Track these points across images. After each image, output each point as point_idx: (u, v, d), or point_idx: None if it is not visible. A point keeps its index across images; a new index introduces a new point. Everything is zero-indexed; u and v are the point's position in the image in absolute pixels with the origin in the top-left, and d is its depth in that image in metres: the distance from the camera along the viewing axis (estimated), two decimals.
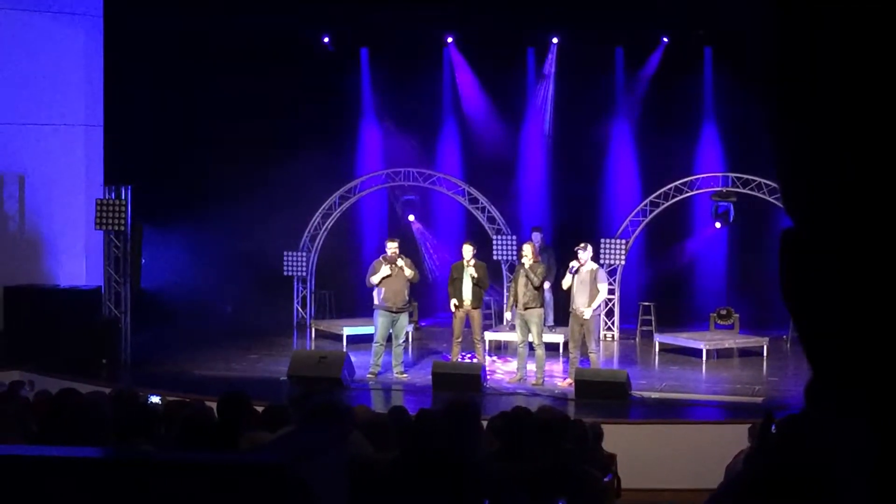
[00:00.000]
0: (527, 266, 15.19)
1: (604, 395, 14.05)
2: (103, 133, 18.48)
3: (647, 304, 19.84)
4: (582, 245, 15.48)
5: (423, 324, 20.57)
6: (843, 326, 0.99)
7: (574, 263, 15.30)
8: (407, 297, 15.84)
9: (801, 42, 1.01)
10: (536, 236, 18.95)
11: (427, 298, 21.53)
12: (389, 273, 15.50)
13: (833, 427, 1.03)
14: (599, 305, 15.99)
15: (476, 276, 15.58)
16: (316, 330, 19.55)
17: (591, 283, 15.22)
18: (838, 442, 1.01)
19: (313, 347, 18.41)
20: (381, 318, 15.66)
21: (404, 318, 15.90)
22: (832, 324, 1.00)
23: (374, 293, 15.81)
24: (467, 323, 15.87)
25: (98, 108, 18.47)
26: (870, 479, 0.98)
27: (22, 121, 17.99)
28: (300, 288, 20.77)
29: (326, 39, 21.99)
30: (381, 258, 15.83)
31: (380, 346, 15.68)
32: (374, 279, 15.66)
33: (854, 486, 1.00)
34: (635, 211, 19.68)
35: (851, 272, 0.97)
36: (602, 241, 19.08)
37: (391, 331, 15.68)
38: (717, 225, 19.53)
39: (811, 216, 1.01)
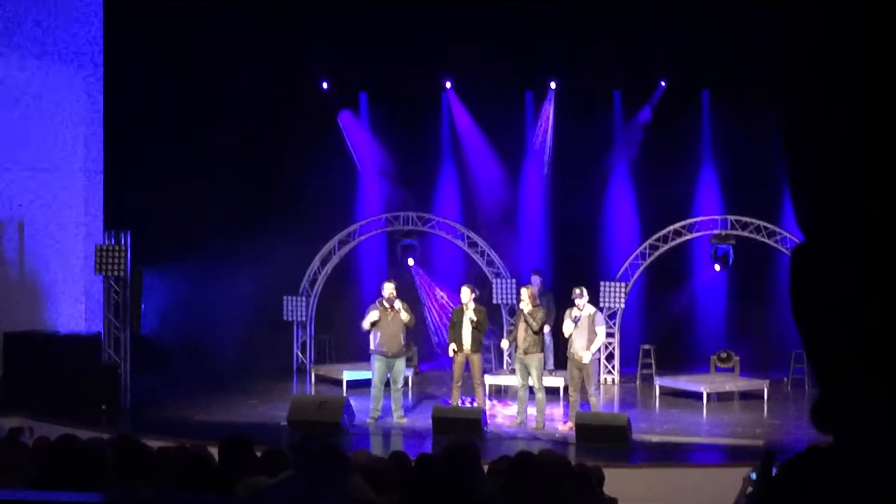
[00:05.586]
0: (526, 311, 15.19)
1: (605, 439, 14.00)
2: (103, 178, 18.50)
3: (647, 347, 19.80)
4: (577, 292, 15.43)
5: (423, 368, 20.50)
6: (851, 338, 0.99)
7: (576, 312, 15.26)
8: (403, 342, 15.80)
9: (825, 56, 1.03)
10: (536, 279, 18.94)
11: (427, 343, 21.49)
12: (377, 318, 15.47)
13: (841, 442, 1.03)
14: (598, 349, 15.97)
15: (475, 319, 15.56)
16: (316, 375, 19.50)
17: (589, 326, 15.20)
18: (848, 460, 1.02)
19: (313, 392, 18.35)
20: (377, 363, 15.62)
21: (401, 363, 15.83)
22: (841, 336, 1.01)
23: (371, 337, 15.77)
24: (467, 367, 15.82)
25: (98, 152, 18.49)
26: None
27: (21, 166, 18.01)
28: (300, 333, 20.73)
29: (325, 85, 22.06)
30: (377, 302, 15.80)
31: (378, 391, 15.63)
32: (365, 324, 15.65)
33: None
34: (635, 254, 19.68)
35: (862, 283, 0.98)
36: (602, 284, 19.04)
37: (389, 375, 15.64)
38: (717, 267, 19.52)
39: (824, 228, 1.02)
